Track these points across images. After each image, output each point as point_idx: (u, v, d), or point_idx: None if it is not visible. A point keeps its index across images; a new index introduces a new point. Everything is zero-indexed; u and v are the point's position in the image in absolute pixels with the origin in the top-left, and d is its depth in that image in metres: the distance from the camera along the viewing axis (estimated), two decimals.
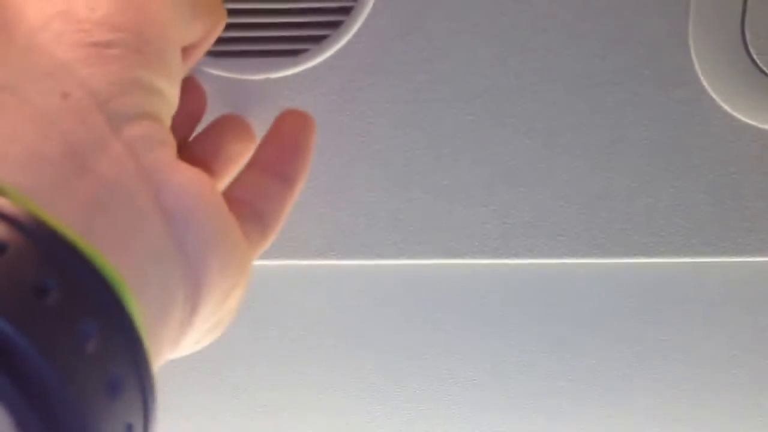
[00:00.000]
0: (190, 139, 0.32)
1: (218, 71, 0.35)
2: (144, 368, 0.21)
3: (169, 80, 0.25)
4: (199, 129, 0.33)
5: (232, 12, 0.33)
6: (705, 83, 0.35)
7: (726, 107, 0.36)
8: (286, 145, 0.32)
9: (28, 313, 0.18)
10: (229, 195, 0.30)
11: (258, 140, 0.34)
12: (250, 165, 0.32)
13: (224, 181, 0.33)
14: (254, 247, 0.30)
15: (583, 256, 0.38)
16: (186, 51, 0.28)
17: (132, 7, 0.24)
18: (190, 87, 0.32)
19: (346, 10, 0.34)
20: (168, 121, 0.25)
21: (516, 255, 0.38)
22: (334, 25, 0.34)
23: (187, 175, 0.24)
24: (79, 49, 0.23)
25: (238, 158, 0.33)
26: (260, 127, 0.35)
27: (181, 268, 0.24)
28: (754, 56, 0.35)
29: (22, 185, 0.20)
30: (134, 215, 0.22)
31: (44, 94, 0.22)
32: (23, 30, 0.23)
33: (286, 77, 0.35)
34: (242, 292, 0.27)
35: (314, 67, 0.35)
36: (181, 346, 0.26)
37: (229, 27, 0.31)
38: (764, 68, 0.35)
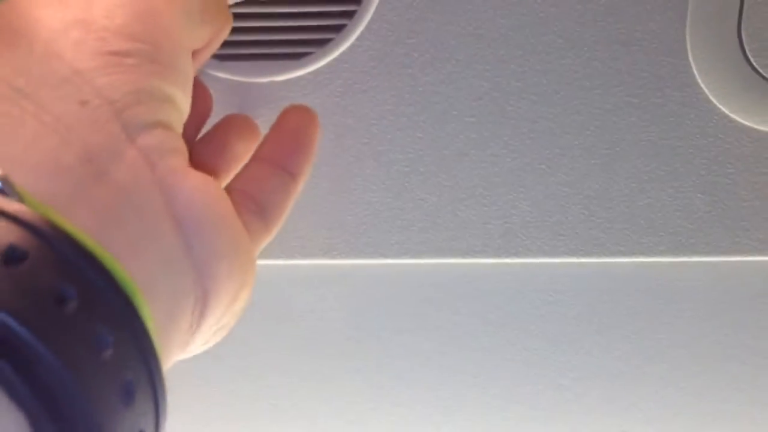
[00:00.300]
0: (197, 139, 0.33)
1: (223, 74, 0.36)
2: (156, 375, 0.21)
3: (181, 88, 0.25)
4: (204, 130, 0.33)
5: (237, 16, 0.33)
6: (702, 85, 0.36)
7: (723, 109, 0.36)
8: (290, 138, 0.32)
9: (50, 322, 0.18)
10: (232, 187, 0.31)
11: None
12: (254, 158, 0.32)
13: (230, 177, 0.33)
14: (257, 240, 0.30)
15: (584, 255, 0.39)
16: (193, 54, 0.28)
17: (147, 17, 0.25)
18: (196, 88, 0.33)
19: (349, 14, 0.35)
20: (180, 128, 0.26)
21: (517, 254, 0.39)
22: (338, 29, 0.35)
23: (197, 182, 0.25)
24: (98, 58, 0.23)
25: (244, 156, 0.33)
26: (264, 129, 0.36)
27: (191, 274, 0.24)
28: (751, 59, 0.35)
29: (41, 192, 0.20)
30: (147, 222, 0.23)
31: (63, 100, 0.22)
32: (42, 37, 0.23)
33: (290, 80, 0.36)
34: (249, 293, 0.27)
35: (318, 70, 0.36)
36: (189, 348, 0.26)
37: (234, 31, 0.31)
38: (761, 70, 0.35)
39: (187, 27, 0.27)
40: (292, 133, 0.32)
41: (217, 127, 0.33)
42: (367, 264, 0.39)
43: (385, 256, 0.39)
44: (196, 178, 0.25)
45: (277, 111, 0.36)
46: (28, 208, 0.20)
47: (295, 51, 0.35)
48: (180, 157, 0.25)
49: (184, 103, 0.26)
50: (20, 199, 0.20)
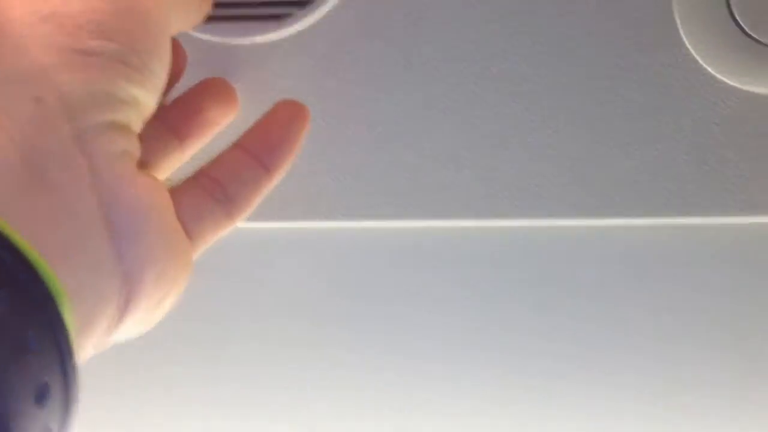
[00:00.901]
0: (170, 101, 0.33)
1: (203, 35, 0.35)
2: (71, 379, 0.21)
3: (149, 90, 0.25)
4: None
5: None
6: (689, 45, 0.35)
7: (709, 69, 0.36)
8: (274, 133, 0.32)
9: None
10: (204, 172, 0.31)
11: (240, 104, 0.34)
12: (236, 145, 0.32)
13: (202, 143, 0.33)
14: (217, 228, 0.30)
15: (567, 217, 0.39)
16: None
17: (128, 14, 0.24)
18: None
19: None
20: (138, 127, 0.26)
21: (499, 216, 0.39)
22: None
23: (142, 190, 0.25)
24: (64, 54, 0.23)
25: (218, 121, 0.33)
26: (244, 91, 0.36)
27: (118, 280, 0.24)
28: (738, 18, 0.35)
29: None
30: (79, 227, 0.23)
31: (20, 98, 0.22)
32: (14, 31, 0.23)
33: (272, 42, 0.36)
34: (177, 296, 0.28)
35: (301, 32, 0.35)
36: (105, 346, 0.26)
37: None
38: (748, 30, 0.35)
39: (181, 16, 0.26)
40: (278, 128, 0.32)
41: (192, 91, 0.33)
42: (348, 227, 0.40)
43: (366, 218, 0.39)
44: (141, 186, 0.25)
45: (258, 73, 0.36)
46: None
47: (277, 12, 0.35)
48: (128, 162, 0.25)
49: (149, 103, 0.26)
50: None
